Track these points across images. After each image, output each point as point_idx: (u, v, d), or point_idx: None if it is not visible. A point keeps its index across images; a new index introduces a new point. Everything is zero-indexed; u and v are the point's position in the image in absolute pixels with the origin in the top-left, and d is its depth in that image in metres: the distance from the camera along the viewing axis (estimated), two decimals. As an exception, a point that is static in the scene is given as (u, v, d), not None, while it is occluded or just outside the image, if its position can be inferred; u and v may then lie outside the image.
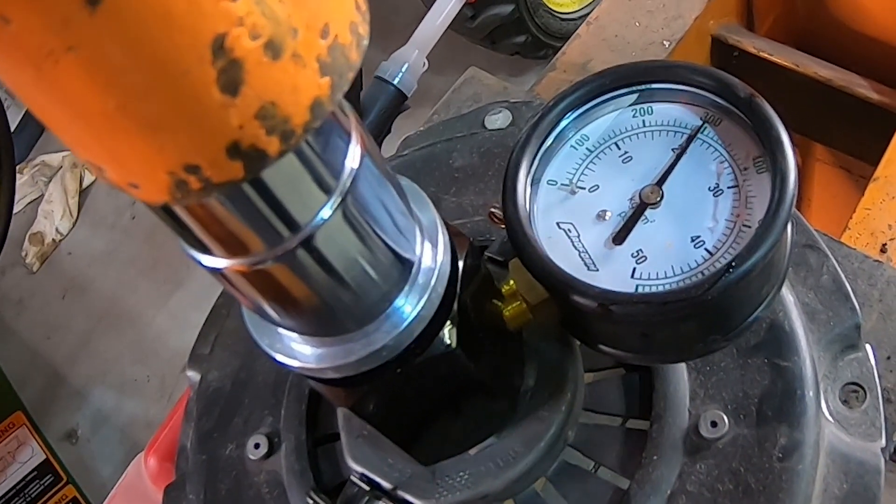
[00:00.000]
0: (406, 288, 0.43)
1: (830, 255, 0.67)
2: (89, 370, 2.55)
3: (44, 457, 2.08)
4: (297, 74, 0.29)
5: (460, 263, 0.46)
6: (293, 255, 0.37)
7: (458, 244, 0.46)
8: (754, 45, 1.00)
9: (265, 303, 0.41)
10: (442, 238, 0.44)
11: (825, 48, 1.08)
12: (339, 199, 0.37)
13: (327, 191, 0.36)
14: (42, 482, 2.06)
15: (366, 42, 0.32)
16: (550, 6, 2.34)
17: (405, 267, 0.43)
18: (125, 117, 0.28)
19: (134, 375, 2.50)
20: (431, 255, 0.44)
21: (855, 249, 0.72)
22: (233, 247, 0.37)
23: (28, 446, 2.08)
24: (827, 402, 0.61)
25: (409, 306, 0.43)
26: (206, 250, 0.37)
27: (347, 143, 0.37)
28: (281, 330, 0.44)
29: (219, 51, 0.27)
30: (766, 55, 0.99)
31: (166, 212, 0.35)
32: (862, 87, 0.98)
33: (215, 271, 0.38)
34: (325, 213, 0.36)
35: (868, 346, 0.64)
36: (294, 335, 0.44)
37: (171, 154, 0.29)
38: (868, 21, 1.10)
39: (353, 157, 0.37)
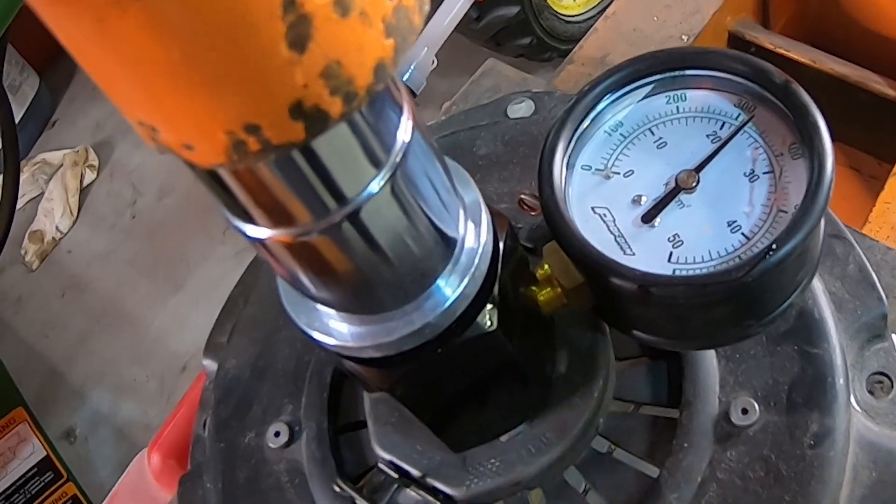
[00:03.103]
0: (449, 266, 0.42)
1: (856, 245, 0.66)
2: (88, 369, 2.54)
3: (44, 454, 2.06)
4: (364, 34, 0.29)
5: (500, 244, 0.45)
6: (338, 229, 0.36)
7: (498, 224, 0.46)
8: (771, 41, 1.00)
9: (306, 276, 0.40)
10: (485, 217, 0.44)
11: (838, 46, 1.08)
12: (389, 174, 0.36)
13: (377, 164, 0.36)
14: (42, 479, 2.03)
15: (427, 7, 0.31)
16: (556, 9, 2.34)
17: (448, 245, 0.42)
18: (189, 71, 0.27)
19: (133, 375, 2.49)
20: (474, 234, 0.43)
21: (878, 241, 0.72)
22: (278, 217, 0.36)
23: (29, 443, 2.06)
24: (854, 392, 0.61)
25: (452, 285, 0.42)
26: (250, 219, 0.37)
27: (399, 115, 0.36)
28: (319, 308, 0.44)
29: (289, 5, 0.26)
30: (782, 51, 0.99)
31: (213, 178, 0.34)
32: (878, 84, 0.98)
33: (258, 241, 0.38)
34: (374, 186, 0.36)
35: (894, 336, 0.64)
36: (332, 313, 0.43)
37: (232, 112, 0.28)
38: (882, 19, 1.10)
39: (405, 129, 0.36)
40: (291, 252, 0.38)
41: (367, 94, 0.30)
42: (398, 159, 0.36)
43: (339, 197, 0.35)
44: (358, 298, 0.42)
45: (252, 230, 0.37)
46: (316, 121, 0.29)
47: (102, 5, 0.26)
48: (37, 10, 0.28)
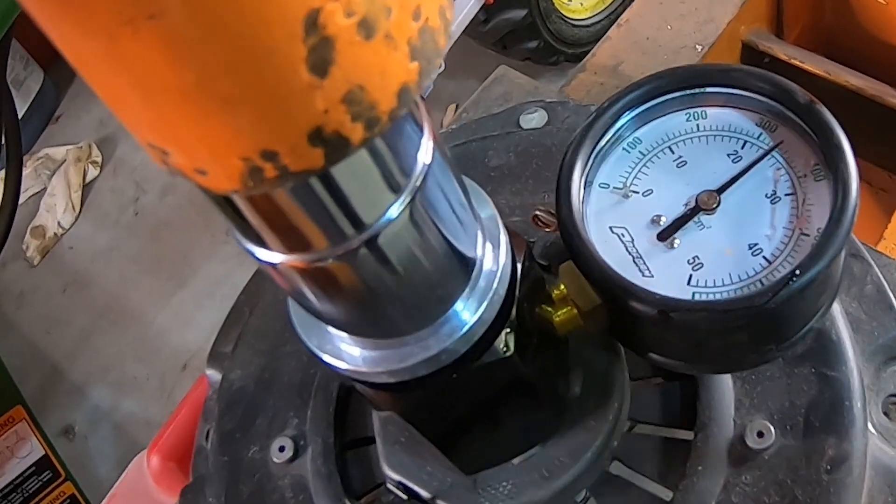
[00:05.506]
0: (466, 290, 0.41)
1: (874, 265, 0.65)
2: (89, 366, 2.53)
3: (43, 452, 2.05)
4: (388, 57, 0.27)
5: (518, 266, 0.44)
6: (355, 255, 0.35)
7: (516, 246, 0.45)
8: (785, 52, 0.99)
9: (319, 300, 0.39)
10: (503, 239, 0.43)
11: (852, 58, 1.07)
12: (409, 199, 0.35)
13: (396, 190, 0.35)
14: (40, 478, 2.02)
15: (452, 28, 0.30)
16: (563, 12, 2.32)
17: (467, 269, 0.41)
18: (203, 95, 0.26)
19: (134, 373, 2.48)
20: (493, 257, 0.42)
21: (894, 260, 0.71)
22: (292, 242, 0.35)
23: (27, 441, 2.04)
24: (870, 414, 0.60)
25: (470, 310, 0.41)
26: (262, 244, 0.36)
27: (420, 136, 0.35)
28: (331, 330, 0.43)
29: (311, 27, 0.25)
30: (796, 62, 0.98)
31: (227, 201, 0.33)
32: (893, 97, 0.96)
33: (270, 266, 0.37)
34: (393, 212, 0.35)
35: (911, 359, 0.63)
36: (345, 336, 0.42)
37: (249, 138, 0.27)
38: (897, 31, 1.09)
39: (426, 151, 0.35)
40: (305, 277, 0.37)
41: (390, 120, 0.29)
42: (418, 183, 0.35)
43: (357, 223, 0.34)
44: (373, 323, 0.41)
45: (264, 254, 0.36)
46: (336, 147, 0.28)
47: (114, 24, 0.24)
48: (44, 27, 0.27)
